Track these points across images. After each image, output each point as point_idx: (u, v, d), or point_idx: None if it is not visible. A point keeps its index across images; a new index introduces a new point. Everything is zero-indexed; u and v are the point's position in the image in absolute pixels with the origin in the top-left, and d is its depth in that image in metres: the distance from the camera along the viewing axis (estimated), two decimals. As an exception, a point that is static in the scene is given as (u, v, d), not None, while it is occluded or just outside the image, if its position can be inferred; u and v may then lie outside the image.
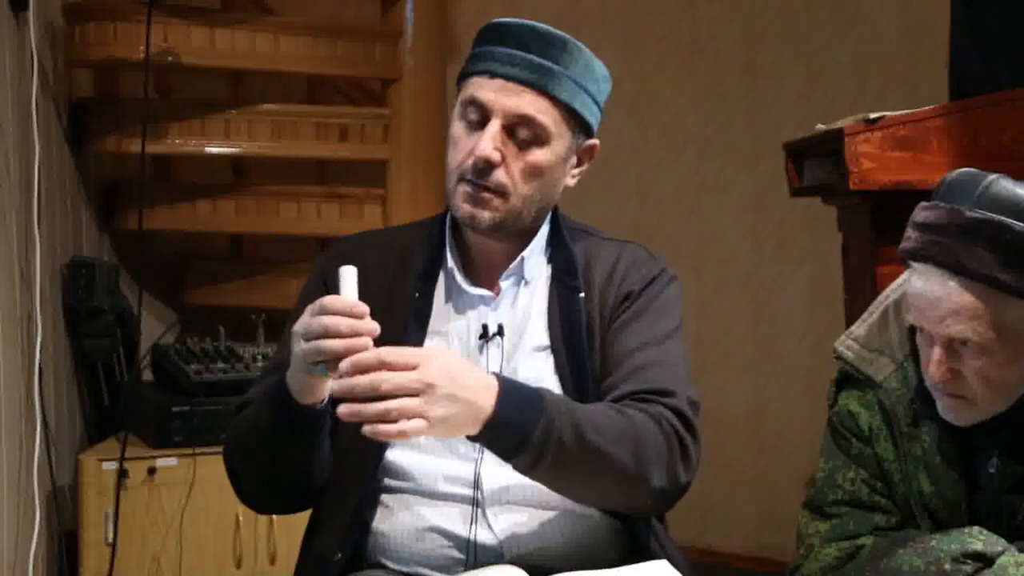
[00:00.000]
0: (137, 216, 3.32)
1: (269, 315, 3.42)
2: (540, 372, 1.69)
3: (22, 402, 2.68)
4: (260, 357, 3.20)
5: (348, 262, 1.72)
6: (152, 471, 3.00)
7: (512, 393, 1.51)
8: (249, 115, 3.55)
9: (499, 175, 1.64)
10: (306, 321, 1.48)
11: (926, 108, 2.19)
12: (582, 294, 1.72)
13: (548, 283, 1.75)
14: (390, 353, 1.43)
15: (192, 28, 3.40)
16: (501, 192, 1.65)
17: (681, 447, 1.60)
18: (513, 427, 1.49)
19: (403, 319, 1.70)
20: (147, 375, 3.44)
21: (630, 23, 4.32)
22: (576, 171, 1.75)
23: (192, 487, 2.98)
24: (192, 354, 3.21)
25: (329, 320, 1.45)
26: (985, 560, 1.50)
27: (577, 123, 1.70)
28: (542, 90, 1.64)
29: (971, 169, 1.52)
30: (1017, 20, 2.43)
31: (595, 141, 1.75)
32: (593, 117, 1.72)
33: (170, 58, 3.33)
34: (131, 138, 3.34)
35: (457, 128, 1.68)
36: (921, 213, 1.52)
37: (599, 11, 4.30)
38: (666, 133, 4.30)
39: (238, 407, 1.76)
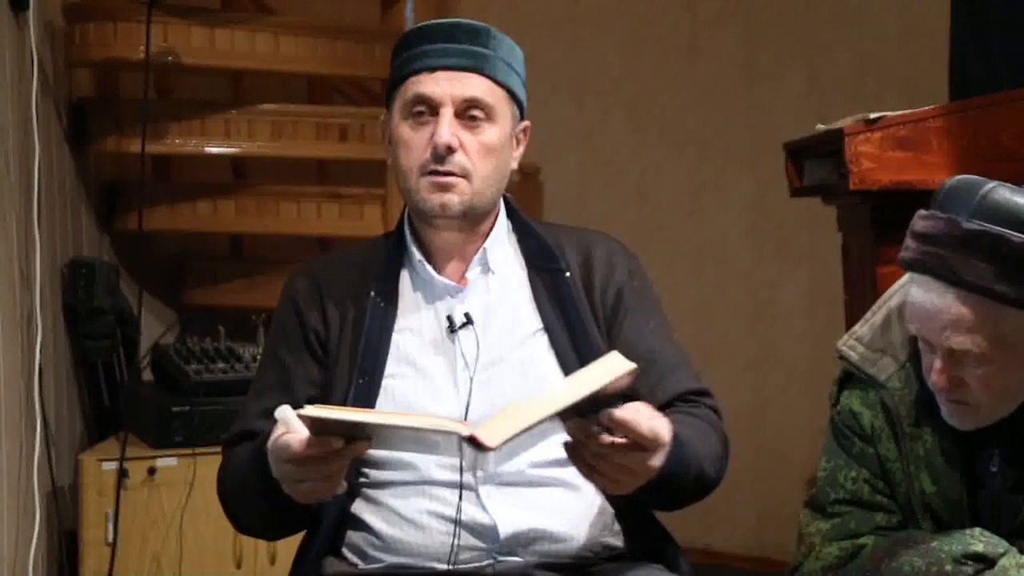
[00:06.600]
0: (137, 216, 3.31)
1: (269, 315, 3.40)
2: (533, 355, 1.72)
3: (22, 402, 2.68)
4: (260, 357, 3.19)
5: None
6: (152, 471, 3.00)
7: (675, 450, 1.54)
8: (249, 115, 3.55)
9: (459, 158, 1.70)
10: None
11: (926, 108, 2.18)
12: (568, 273, 1.77)
13: (524, 270, 1.79)
14: None
15: (192, 28, 3.40)
16: (464, 174, 1.70)
17: (725, 443, 1.73)
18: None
19: (361, 318, 1.73)
20: (147, 375, 3.43)
21: (630, 23, 4.32)
22: (516, 154, 1.81)
23: (192, 487, 2.98)
24: (192, 354, 3.20)
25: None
26: (986, 561, 1.50)
27: (514, 103, 1.77)
28: (482, 73, 1.72)
29: (969, 177, 1.49)
30: (1017, 20, 2.43)
31: (527, 123, 1.82)
32: (524, 98, 1.79)
33: (170, 58, 3.33)
34: (131, 138, 3.34)
35: (404, 130, 1.73)
36: (919, 223, 1.50)
37: (599, 11, 4.30)
38: (666, 133, 4.29)
39: (228, 440, 1.77)
